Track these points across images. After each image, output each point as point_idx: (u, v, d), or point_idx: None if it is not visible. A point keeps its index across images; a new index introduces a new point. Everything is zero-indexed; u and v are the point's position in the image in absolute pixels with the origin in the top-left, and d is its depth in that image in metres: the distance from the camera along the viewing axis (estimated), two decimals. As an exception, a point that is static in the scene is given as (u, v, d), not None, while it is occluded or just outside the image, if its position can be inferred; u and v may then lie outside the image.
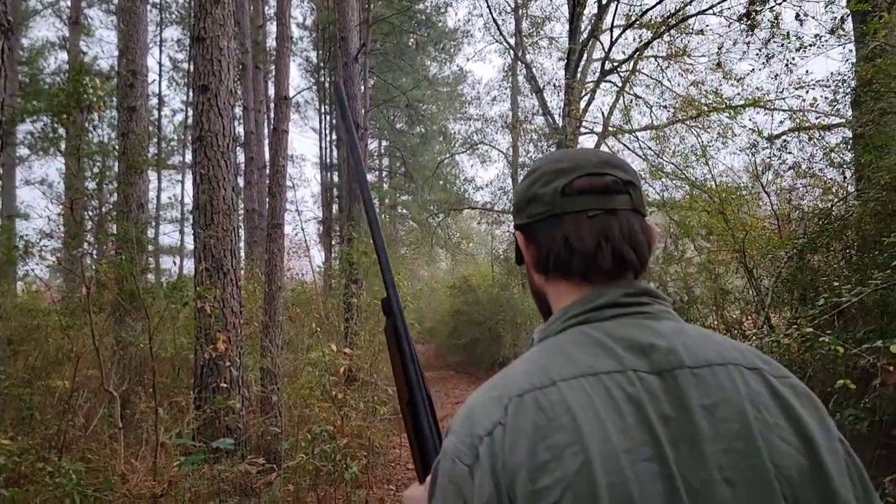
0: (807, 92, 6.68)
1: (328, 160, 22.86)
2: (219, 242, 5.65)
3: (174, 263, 21.33)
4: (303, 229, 15.26)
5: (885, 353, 3.07)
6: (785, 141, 6.92)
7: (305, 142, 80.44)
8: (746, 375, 0.81)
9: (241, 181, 14.79)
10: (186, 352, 6.67)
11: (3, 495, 3.57)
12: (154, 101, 21.94)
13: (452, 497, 0.77)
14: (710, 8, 11.04)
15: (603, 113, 13.91)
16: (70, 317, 5.93)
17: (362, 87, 13.80)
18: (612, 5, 12.53)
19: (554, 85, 15.01)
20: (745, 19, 9.07)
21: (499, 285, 15.92)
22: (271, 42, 17.93)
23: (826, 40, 7.13)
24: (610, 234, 0.88)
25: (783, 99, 8.46)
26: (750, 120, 9.14)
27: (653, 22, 11.50)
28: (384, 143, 27.66)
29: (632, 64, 12.59)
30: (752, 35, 9.19)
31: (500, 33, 17.23)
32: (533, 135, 16.50)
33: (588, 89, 13.15)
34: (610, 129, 13.26)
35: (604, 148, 11.64)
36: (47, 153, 19.31)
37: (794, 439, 0.77)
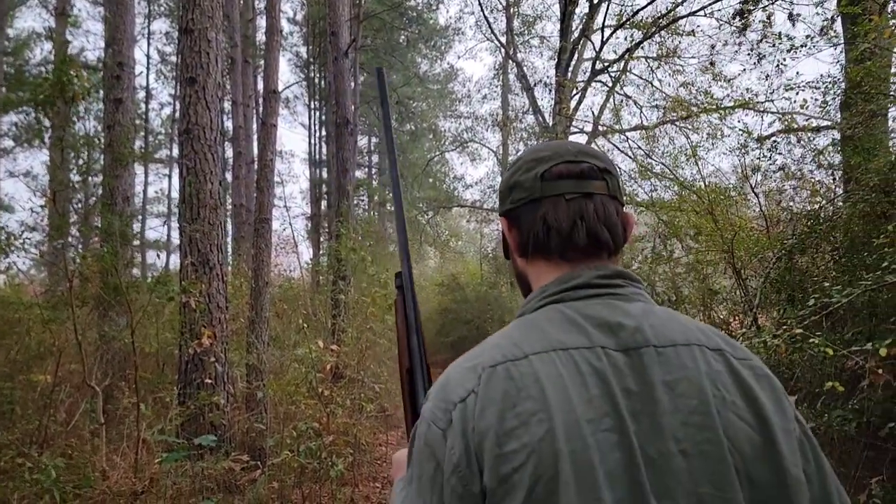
0: (797, 94, 6.69)
1: (317, 156, 22.77)
2: (205, 237, 5.59)
3: (158, 258, 21.14)
4: (291, 225, 15.18)
5: (874, 355, 3.07)
6: (775, 142, 6.93)
7: (294, 137, 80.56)
8: (708, 355, 0.86)
9: (228, 176, 14.69)
10: (171, 347, 6.59)
11: (-20, 491, 3.51)
12: (142, 94, 21.79)
13: (426, 458, 0.83)
14: (702, 9, 11.08)
15: (593, 112, 13.91)
16: (52, 310, 5.85)
17: (352, 84, 13.73)
18: (604, 5, 12.55)
19: (544, 83, 15.00)
20: (738, 18, 9.08)
21: (487, 283, 15.91)
22: (261, 37, 17.81)
23: (817, 41, 7.15)
24: (585, 214, 0.94)
25: (772, 101, 8.50)
26: (739, 121, 9.17)
27: (644, 22, 11.51)
28: (374, 139, 27.59)
29: (622, 64, 12.60)
30: (743, 36, 9.22)
31: (492, 31, 17.18)
32: (523, 133, 16.51)
33: (579, 88, 13.14)
34: (600, 128, 13.27)
35: (593, 147, 11.62)
36: (32, 145, 19.08)
37: (749, 417, 0.81)
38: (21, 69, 18.34)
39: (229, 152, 14.49)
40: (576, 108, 13.00)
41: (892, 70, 5.28)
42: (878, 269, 3.58)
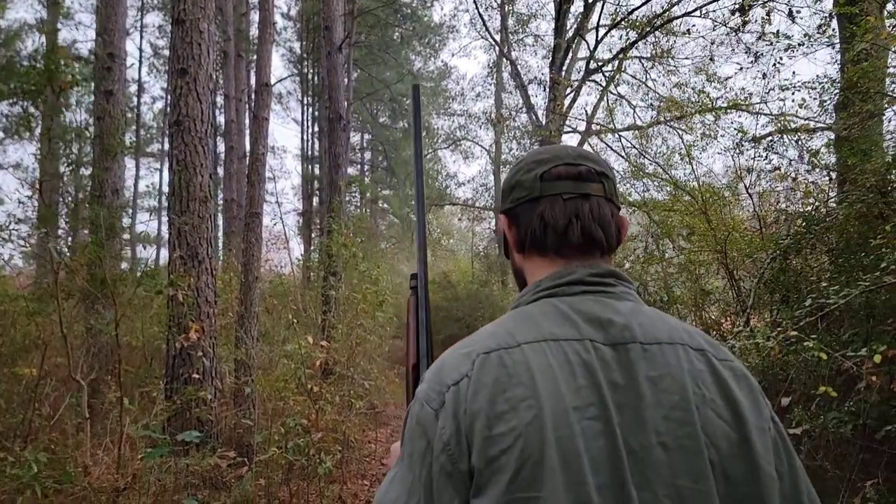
0: (792, 94, 6.65)
1: (309, 152, 22.67)
2: (194, 230, 5.52)
3: (143, 249, 20.97)
4: (282, 220, 15.10)
5: (869, 360, 3.04)
6: (771, 142, 6.91)
7: (287, 133, 79.96)
8: (691, 355, 0.90)
9: (220, 171, 14.59)
10: (159, 341, 6.51)
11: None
12: (134, 87, 21.61)
13: (418, 436, 0.87)
14: (697, 10, 11.07)
15: (587, 112, 13.90)
16: (38, 303, 5.76)
17: (346, 79, 13.65)
18: (598, 4, 12.53)
19: (539, 82, 14.97)
20: (738, 14, 9.07)
21: (478, 282, 15.89)
22: (254, 31, 17.69)
23: (815, 40, 7.13)
24: (581, 213, 0.99)
25: (765, 103, 8.47)
26: (733, 122, 9.14)
27: (638, 22, 11.49)
28: (367, 136, 27.52)
29: (617, 63, 12.58)
30: (738, 35, 9.20)
31: (486, 29, 17.12)
32: (516, 131, 16.48)
33: (573, 87, 13.12)
34: (593, 127, 13.25)
35: (586, 147, 11.63)
36: (22, 137, 18.88)
37: (726, 414, 0.86)
38: (12, 60, 18.13)
39: (221, 147, 14.39)
40: (569, 107, 13.00)
41: (889, 70, 5.26)
42: (877, 270, 3.56)
